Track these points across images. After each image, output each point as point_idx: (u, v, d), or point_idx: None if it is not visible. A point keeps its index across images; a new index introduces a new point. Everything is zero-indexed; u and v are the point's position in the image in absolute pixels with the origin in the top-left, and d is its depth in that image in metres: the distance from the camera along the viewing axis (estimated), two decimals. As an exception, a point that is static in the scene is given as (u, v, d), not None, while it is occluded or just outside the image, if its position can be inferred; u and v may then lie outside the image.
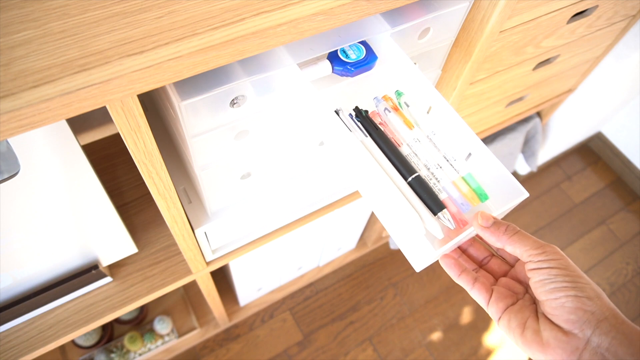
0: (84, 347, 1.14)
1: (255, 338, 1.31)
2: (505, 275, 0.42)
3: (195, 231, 0.66)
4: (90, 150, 0.86)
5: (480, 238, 0.41)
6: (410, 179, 0.43)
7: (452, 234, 0.41)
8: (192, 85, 0.45)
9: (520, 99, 0.94)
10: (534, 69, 0.83)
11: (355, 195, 0.88)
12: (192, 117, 0.46)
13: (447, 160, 0.44)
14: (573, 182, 1.69)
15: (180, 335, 1.21)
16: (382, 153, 0.44)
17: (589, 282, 0.35)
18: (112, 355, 1.15)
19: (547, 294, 0.35)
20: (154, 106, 0.74)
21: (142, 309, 1.20)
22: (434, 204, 0.41)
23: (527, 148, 1.35)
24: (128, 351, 1.16)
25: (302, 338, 1.32)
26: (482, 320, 1.39)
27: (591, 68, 1.01)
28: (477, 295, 0.40)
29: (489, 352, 1.34)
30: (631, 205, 1.65)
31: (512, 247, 0.38)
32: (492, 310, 0.39)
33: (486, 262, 0.44)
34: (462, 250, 0.44)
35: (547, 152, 1.51)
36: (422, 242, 0.40)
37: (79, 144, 0.49)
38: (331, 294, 1.39)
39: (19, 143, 0.45)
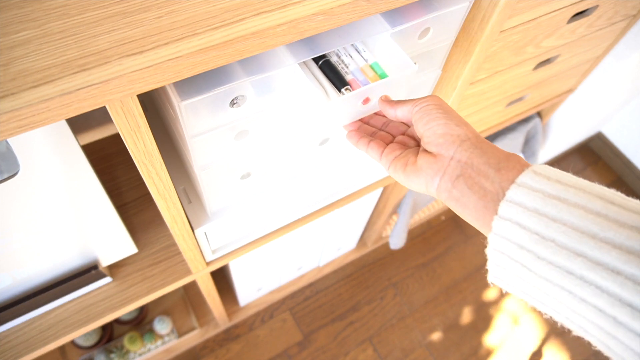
0: (83, 347, 1.14)
1: (255, 338, 1.31)
2: (403, 133, 0.48)
3: (195, 231, 0.66)
4: (90, 150, 0.86)
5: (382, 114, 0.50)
6: (320, 62, 0.51)
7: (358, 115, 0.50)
8: (192, 85, 0.45)
9: (521, 99, 0.94)
10: (534, 69, 0.83)
11: (355, 195, 0.88)
12: (192, 117, 0.46)
13: (358, 52, 0.52)
14: (573, 182, 1.69)
15: (180, 335, 1.21)
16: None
17: (459, 116, 0.41)
18: (112, 355, 1.15)
19: (424, 125, 0.41)
20: (154, 106, 0.74)
21: (142, 309, 1.20)
22: (339, 82, 0.50)
23: (527, 148, 1.35)
24: (128, 351, 1.16)
25: (302, 338, 1.32)
26: (482, 320, 1.39)
27: (591, 68, 1.01)
28: (372, 151, 0.46)
29: (489, 352, 1.34)
30: (631, 205, 1.65)
31: (402, 109, 0.45)
32: (384, 161, 0.44)
33: (385, 126, 0.50)
34: (364, 121, 0.51)
35: (547, 152, 1.51)
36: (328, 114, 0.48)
37: (79, 144, 0.49)
38: (331, 294, 1.39)
39: (18, 143, 0.45)
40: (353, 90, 0.49)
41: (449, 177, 0.38)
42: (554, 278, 0.30)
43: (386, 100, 0.47)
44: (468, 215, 0.37)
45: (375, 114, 0.52)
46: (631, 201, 0.30)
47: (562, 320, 0.32)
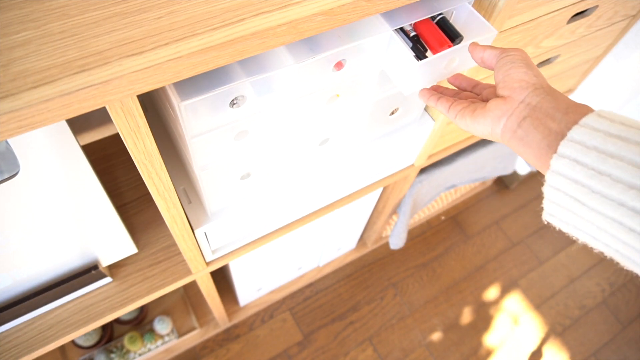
0: (84, 347, 1.14)
1: (255, 338, 1.31)
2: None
3: (195, 231, 0.66)
4: (90, 151, 0.86)
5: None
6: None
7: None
8: (192, 85, 0.45)
9: (520, 99, 0.94)
10: (534, 69, 0.83)
11: (355, 195, 0.88)
12: (192, 117, 0.46)
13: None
14: (573, 182, 1.69)
15: (180, 335, 1.21)
16: None
17: (539, 70, 0.42)
18: (112, 355, 1.15)
19: (505, 71, 0.42)
20: (153, 106, 0.74)
21: (142, 309, 1.20)
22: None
23: (527, 148, 1.35)
24: (128, 351, 1.16)
25: (302, 338, 1.32)
26: (482, 320, 1.39)
27: (591, 68, 1.01)
28: (441, 106, 0.47)
29: (489, 352, 1.34)
30: (631, 205, 1.65)
31: (490, 51, 0.45)
32: (451, 112, 0.46)
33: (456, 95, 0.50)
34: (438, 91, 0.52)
35: (547, 152, 1.50)
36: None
37: (79, 144, 0.49)
38: (331, 294, 1.39)
39: (18, 143, 0.45)
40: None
41: (515, 117, 0.39)
42: (606, 210, 0.31)
43: (476, 44, 0.48)
44: (530, 154, 0.38)
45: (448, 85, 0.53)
46: None
47: (612, 253, 0.33)
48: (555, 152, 0.35)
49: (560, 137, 0.36)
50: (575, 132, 0.34)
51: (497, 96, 0.42)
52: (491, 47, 0.46)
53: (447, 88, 0.52)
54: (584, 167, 0.33)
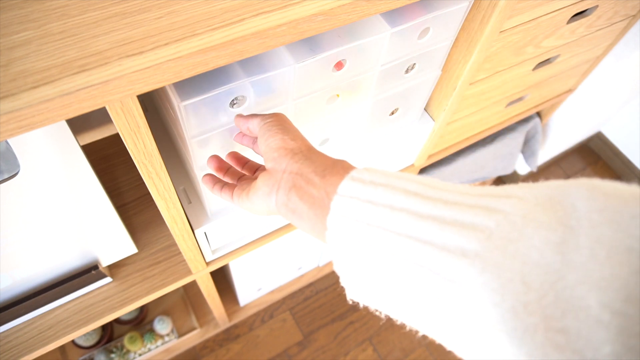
0: (84, 347, 1.14)
1: (255, 338, 1.31)
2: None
3: (195, 231, 0.66)
4: (90, 151, 0.86)
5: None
6: None
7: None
8: (192, 85, 0.45)
9: (520, 99, 0.94)
10: (534, 69, 0.83)
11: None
12: (192, 117, 0.46)
13: None
14: (573, 182, 1.69)
15: (180, 335, 1.21)
16: None
17: (297, 131, 0.42)
18: (112, 355, 1.15)
19: (264, 142, 0.42)
20: (153, 106, 0.74)
21: (142, 309, 1.20)
22: None
23: (527, 148, 1.35)
24: (128, 351, 1.16)
25: (302, 338, 1.32)
26: (482, 320, 1.39)
27: (591, 68, 1.01)
28: (225, 196, 0.46)
29: (489, 352, 1.34)
30: (631, 205, 1.65)
31: (251, 123, 0.45)
32: (234, 197, 0.44)
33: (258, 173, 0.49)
34: (242, 163, 0.50)
35: (547, 152, 1.51)
36: None
37: (79, 144, 0.49)
38: (331, 294, 1.39)
39: (18, 143, 0.45)
40: None
41: (283, 190, 0.38)
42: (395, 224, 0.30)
43: (240, 116, 0.47)
44: (305, 226, 0.37)
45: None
46: (436, 187, 0.31)
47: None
48: (324, 226, 0.34)
49: (323, 205, 0.35)
50: (335, 204, 0.33)
51: (264, 170, 0.41)
52: (254, 115, 0.45)
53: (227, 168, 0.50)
54: (356, 229, 0.31)
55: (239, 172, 0.49)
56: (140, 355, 1.17)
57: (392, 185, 0.32)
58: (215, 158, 0.50)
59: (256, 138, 0.47)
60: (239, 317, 1.29)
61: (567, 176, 1.70)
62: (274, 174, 0.39)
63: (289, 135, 0.41)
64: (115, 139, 0.88)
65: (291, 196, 0.37)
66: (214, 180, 0.48)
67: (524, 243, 0.25)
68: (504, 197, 0.28)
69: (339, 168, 0.36)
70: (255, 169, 0.49)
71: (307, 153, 0.39)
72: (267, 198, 0.40)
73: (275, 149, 0.40)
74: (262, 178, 0.40)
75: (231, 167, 0.50)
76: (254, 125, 0.44)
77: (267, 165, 0.41)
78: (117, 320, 1.19)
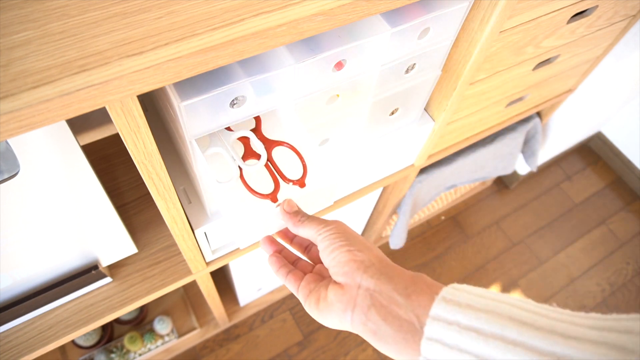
0: (84, 347, 1.14)
1: (255, 338, 1.31)
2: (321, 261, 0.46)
3: (195, 231, 0.66)
4: (90, 151, 0.86)
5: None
6: None
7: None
8: (192, 85, 0.45)
9: (520, 99, 0.94)
10: (534, 69, 0.83)
11: (355, 195, 0.88)
12: (192, 117, 0.46)
13: None
14: (573, 182, 1.69)
15: (180, 335, 1.21)
16: None
17: (363, 241, 0.40)
18: (112, 355, 1.15)
19: (328, 255, 0.39)
20: (153, 106, 0.74)
21: (142, 309, 1.20)
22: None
23: (527, 148, 1.35)
24: (128, 351, 1.16)
25: (302, 338, 1.32)
26: (482, 320, 1.39)
27: (591, 68, 1.01)
28: (290, 285, 0.43)
29: (489, 352, 1.34)
30: (631, 205, 1.65)
31: (304, 230, 0.43)
32: (300, 296, 0.42)
33: (309, 248, 0.47)
34: (290, 238, 0.49)
35: (547, 152, 1.51)
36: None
37: (79, 144, 0.49)
38: (331, 294, 1.39)
39: (18, 143, 0.45)
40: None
41: (360, 308, 0.36)
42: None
43: (290, 213, 0.45)
44: (389, 349, 0.35)
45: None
46: (541, 314, 0.29)
47: None
48: (417, 348, 0.33)
49: (413, 329, 0.33)
50: (431, 330, 0.31)
51: (334, 282, 0.39)
52: (307, 221, 0.43)
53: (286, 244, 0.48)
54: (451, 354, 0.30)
55: (307, 266, 0.46)
56: (140, 355, 1.17)
57: (495, 310, 0.30)
58: (269, 241, 0.47)
59: (308, 245, 0.47)
60: (239, 317, 1.29)
61: (567, 176, 1.70)
62: (348, 290, 0.37)
63: (356, 247, 0.39)
64: (115, 139, 0.88)
65: (371, 316, 0.35)
66: (279, 262, 0.45)
67: None
68: (628, 333, 0.26)
69: (422, 285, 0.35)
70: (305, 247, 0.47)
71: (379, 266, 0.37)
72: (342, 315, 0.37)
73: (345, 263, 0.38)
74: (334, 292, 0.38)
75: (299, 261, 0.47)
76: (309, 235, 0.42)
77: (338, 279, 0.38)
78: (117, 320, 1.19)
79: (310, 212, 0.46)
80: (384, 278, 0.36)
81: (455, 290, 0.33)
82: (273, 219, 0.47)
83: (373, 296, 0.36)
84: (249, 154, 0.53)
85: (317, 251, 0.45)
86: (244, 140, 0.54)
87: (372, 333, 0.35)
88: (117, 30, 0.37)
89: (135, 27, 0.38)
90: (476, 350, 0.29)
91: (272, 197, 0.49)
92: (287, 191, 0.51)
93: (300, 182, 0.51)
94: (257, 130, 0.55)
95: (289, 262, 0.45)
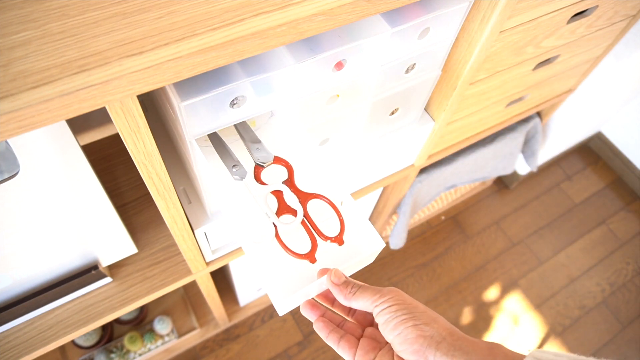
0: (84, 347, 1.14)
1: (255, 338, 1.31)
2: (371, 323, 0.44)
3: (195, 231, 0.66)
4: (90, 151, 0.86)
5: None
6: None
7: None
8: (192, 85, 0.45)
9: (520, 99, 0.94)
10: (534, 69, 0.83)
11: (355, 195, 0.88)
12: (192, 117, 0.46)
13: None
14: (573, 182, 1.69)
15: (180, 335, 1.21)
16: None
17: (426, 310, 0.38)
18: (112, 355, 1.15)
19: (392, 331, 0.37)
20: (153, 107, 0.74)
21: (142, 309, 1.20)
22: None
23: (527, 148, 1.35)
24: (128, 351, 1.16)
25: (302, 338, 1.32)
26: (482, 320, 1.39)
27: (591, 68, 1.01)
28: (344, 352, 0.41)
29: (489, 352, 1.34)
30: (631, 205, 1.65)
31: (357, 302, 0.40)
32: None
33: (354, 310, 0.45)
34: (331, 300, 0.45)
35: (547, 152, 1.51)
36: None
37: (79, 144, 0.49)
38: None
39: (18, 143, 0.45)
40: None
41: None
42: None
43: (340, 285, 0.41)
44: None
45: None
46: None
47: None
48: None
49: None
50: None
51: (399, 358, 0.37)
52: (359, 292, 0.40)
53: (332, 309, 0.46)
54: None
55: (356, 329, 0.44)
56: (140, 355, 1.17)
57: None
58: (311, 305, 0.44)
59: (353, 310, 0.44)
60: (239, 317, 1.29)
61: (567, 176, 1.70)
62: None
63: (422, 320, 0.36)
64: (115, 139, 0.88)
65: None
66: (328, 327, 0.43)
67: None
68: None
69: (501, 356, 0.33)
70: (349, 309, 0.45)
71: (451, 340, 0.35)
72: None
73: (413, 340, 0.36)
74: None
75: (345, 322, 0.44)
76: (364, 307, 0.40)
77: (407, 357, 0.36)
78: (117, 320, 1.19)
79: (351, 272, 0.44)
80: (458, 354, 0.34)
81: (541, 353, 0.32)
82: (312, 281, 0.43)
83: None
84: (283, 208, 0.49)
85: (362, 313, 0.44)
86: (277, 193, 0.50)
87: None
88: (117, 30, 0.37)
89: (135, 27, 0.38)
90: None
91: (310, 257, 0.46)
92: (324, 249, 0.47)
93: (339, 240, 0.47)
94: (289, 181, 0.51)
95: (336, 325, 0.43)
